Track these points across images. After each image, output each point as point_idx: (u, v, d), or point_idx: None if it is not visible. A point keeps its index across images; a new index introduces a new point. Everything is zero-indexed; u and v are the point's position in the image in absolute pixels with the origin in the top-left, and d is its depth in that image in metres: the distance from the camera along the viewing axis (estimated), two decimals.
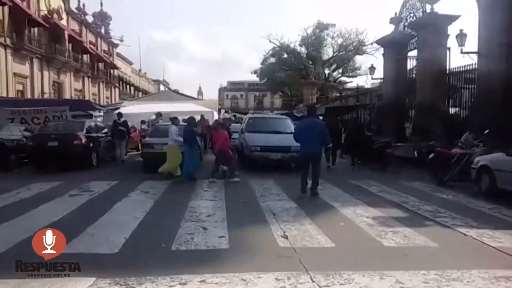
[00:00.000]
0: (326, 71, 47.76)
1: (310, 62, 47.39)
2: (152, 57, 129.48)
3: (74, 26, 34.86)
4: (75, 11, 35.52)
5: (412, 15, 15.89)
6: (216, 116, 23.98)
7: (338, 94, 31.33)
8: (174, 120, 10.70)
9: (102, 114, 20.71)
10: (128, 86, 54.11)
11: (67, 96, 31.20)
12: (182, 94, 33.68)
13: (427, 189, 8.94)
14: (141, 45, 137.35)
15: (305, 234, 5.02)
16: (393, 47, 17.22)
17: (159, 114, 14.41)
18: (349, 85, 46.54)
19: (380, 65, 21.79)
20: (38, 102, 18.12)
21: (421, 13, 14.95)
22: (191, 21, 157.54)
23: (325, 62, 46.92)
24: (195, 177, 9.45)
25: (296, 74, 46.45)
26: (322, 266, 3.87)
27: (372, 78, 23.99)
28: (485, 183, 8.05)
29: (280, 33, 77.54)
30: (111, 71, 44.18)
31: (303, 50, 47.38)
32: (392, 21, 17.33)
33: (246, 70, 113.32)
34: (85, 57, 36.37)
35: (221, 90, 72.22)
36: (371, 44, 42.63)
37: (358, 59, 47.17)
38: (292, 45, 46.60)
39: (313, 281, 3.48)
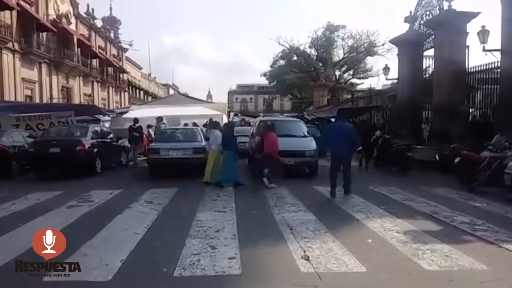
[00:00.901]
0: (337, 73, 46.97)
1: (320, 64, 46.70)
2: (162, 61, 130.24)
3: (83, 30, 34.73)
4: (84, 15, 35.40)
5: (428, 13, 15.21)
6: (225, 119, 23.43)
7: (349, 96, 30.55)
8: (216, 124, 10.13)
9: (109, 118, 20.38)
10: (137, 90, 54.03)
11: (76, 101, 30.99)
12: (191, 97, 33.22)
13: (456, 196, 8.17)
14: (151, 50, 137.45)
15: (329, 254, 4.32)
16: (408, 47, 16.53)
17: (160, 119, 13.79)
18: (360, 87, 45.88)
19: (392, 65, 21.27)
20: (43, 107, 17.73)
21: (438, 11, 14.26)
22: (201, 26, 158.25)
23: (335, 63, 46.16)
24: (240, 183, 9.04)
25: (306, 76, 45.78)
26: None
27: (387, 79, 23.09)
28: None
29: (289, 35, 76.51)
30: (121, 75, 44.05)
31: (313, 52, 46.74)
32: (407, 19, 16.66)
33: (256, 73, 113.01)
34: (94, 62, 36.20)
35: (230, 94, 71.91)
36: (382, 45, 42.09)
37: (370, 60, 46.39)
38: (301, 47, 46.00)
39: None
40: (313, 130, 14.59)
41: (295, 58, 47.32)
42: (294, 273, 3.82)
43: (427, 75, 15.96)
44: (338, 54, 46.00)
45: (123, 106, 37.84)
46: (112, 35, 43.48)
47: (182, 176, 10.35)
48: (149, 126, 18.15)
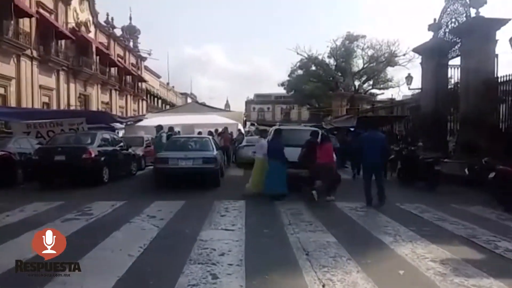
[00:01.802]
0: (356, 83, 46.10)
1: (339, 74, 45.96)
2: (181, 71, 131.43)
3: (102, 39, 34.97)
4: (104, 24, 35.71)
5: (454, 20, 14.43)
6: (241, 128, 22.87)
7: (369, 106, 29.68)
8: (263, 133, 9.64)
9: (123, 126, 20.09)
10: (155, 99, 54.22)
11: (93, 108, 31.03)
12: (207, 106, 32.92)
13: (493, 216, 7.28)
14: (170, 59, 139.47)
15: None
16: (432, 55, 15.75)
17: (159, 127, 13.09)
18: (380, 97, 44.89)
19: (414, 75, 20.58)
20: (54, 114, 17.55)
21: (464, 18, 13.47)
22: (220, 36, 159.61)
23: (355, 73, 45.36)
24: (285, 193, 8.47)
25: (324, 86, 45.11)
26: None
27: (409, 88, 22.23)
28: None
29: (308, 45, 76.01)
30: (139, 84, 44.19)
31: (331, 61, 46.13)
32: (431, 27, 15.91)
33: (274, 83, 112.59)
34: (113, 70, 36.38)
35: (248, 103, 71.75)
36: (403, 55, 41.17)
37: (390, 70, 45.38)
38: (320, 57, 45.41)
39: None
40: (332, 141, 13.85)
41: (313, 68, 46.85)
42: None
43: (452, 85, 15.13)
44: (358, 64, 45.47)
45: (140, 114, 37.86)
46: (131, 44, 43.79)
47: (192, 188, 9.78)
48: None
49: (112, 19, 37.57)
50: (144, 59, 46.58)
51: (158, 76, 55.98)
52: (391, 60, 43.13)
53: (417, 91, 20.28)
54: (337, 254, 4.65)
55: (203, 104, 36.73)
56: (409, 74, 22.17)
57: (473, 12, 12.74)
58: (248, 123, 36.22)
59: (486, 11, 12.79)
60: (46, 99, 25.66)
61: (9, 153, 10.42)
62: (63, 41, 27.04)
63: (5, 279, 3.81)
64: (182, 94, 69.79)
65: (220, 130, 17.72)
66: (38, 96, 24.46)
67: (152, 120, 20.99)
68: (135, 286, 3.74)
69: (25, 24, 22.65)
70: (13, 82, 22.00)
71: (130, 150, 12.86)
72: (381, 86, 46.77)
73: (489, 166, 9.86)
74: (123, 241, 5.18)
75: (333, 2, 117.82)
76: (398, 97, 34.52)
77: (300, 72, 47.53)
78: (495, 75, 12.80)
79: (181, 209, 7.42)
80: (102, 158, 10.59)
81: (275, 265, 4.26)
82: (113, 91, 36.85)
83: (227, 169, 14.70)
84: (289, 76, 49.00)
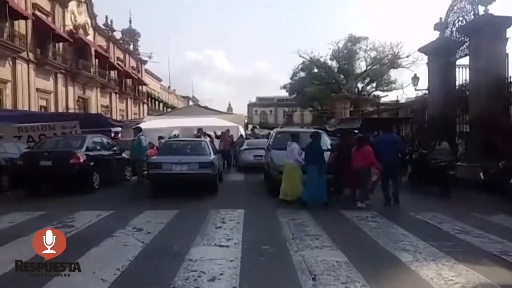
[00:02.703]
0: (359, 85, 45.49)
1: (342, 76, 45.36)
2: (182, 75, 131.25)
3: (101, 42, 34.45)
4: (103, 27, 35.20)
5: (461, 18, 13.86)
6: (242, 131, 22.21)
7: (372, 109, 29.04)
8: (295, 137, 8.90)
9: (119, 129, 19.44)
10: (156, 102, 53.70)
11: (93, 112, 30.42)
12: (208, 109, 32.33)
13: None
14: (172, 63, 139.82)
15: None
16: (439, 55, 15.15)
17: (138, 129, 12.15)
18: (383, 99, 44.21)
19: (419, 76, 19.90)
20: (46, 117, 16.90)
21: (472, 16, 12.90)
22: (222, 39, 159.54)
23: (358, 76, 44.77)
24: (326, 202, 7.95)
25: (327, 89, 44.45)
26: None
27: (416, 89, 21.51)
28: None
29: (310, 47, 75.47)
30: (139, 87, 43.65)
31: (334, 64, 45.54)
32: (437, 27, 15.29)
33: (276, 86, 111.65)
34: (112, 73, 35.82)
35: (250, 106, 71.23)
36: (407, 57, 40.61)
37: (393, 72, 44.68)
38: (322, 59, 44.81)
39: None
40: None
41: (315, 70, 46.29)
42: None
43: (459, 85, 14.49)
44: (361, 66, 45.02)
45: (141, 117, 37.27)
46: (131, 47, 43.28)
47: (187, 195, 9.10)
48: (160, 138, 17.06)
49: (111, 22, 37.08)
50: (144, 62, 46.05)
51: (159, 80, 55.51)
52: (394, 62, 42.67)
53: (422, 93, 19.65)
54: (349, 278, 3.91)
55: (204, 107, 36.16)
56: (415, 74, 21.42)
57: (481, 9, 12.28)
58: (250, 126, 35.61)
59: (495, 9, 12.33)
60: (43, 103, 25.10)
61: None
62: (60, 44, 26.48)
63: None
64: (184, 97, 69.34)
65: (218, 133, 17.05)
66: (35, 99, 23.89)
67: (151, 123, 20.39)
68: None
69: (21, 26, 22.08)
70: (9, 85, 21.42)
71: (124, 154, 12.16)
72: (385, 88, 46.11)
73: (509, 169, 9.20)
74: (100, 260, 4.46)
75: (335, 4, 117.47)
76: (402, 99, 33.90)
77: (302, 74, 46.96)
78: (506, 75, 12.23)
79: (172, 219, 6.71)
80: (92, 163, 9.90)
81: None
82: (113, 94, 36.30)
83: (227, 174, 14.01)
84: (291, 78, 48.42)
